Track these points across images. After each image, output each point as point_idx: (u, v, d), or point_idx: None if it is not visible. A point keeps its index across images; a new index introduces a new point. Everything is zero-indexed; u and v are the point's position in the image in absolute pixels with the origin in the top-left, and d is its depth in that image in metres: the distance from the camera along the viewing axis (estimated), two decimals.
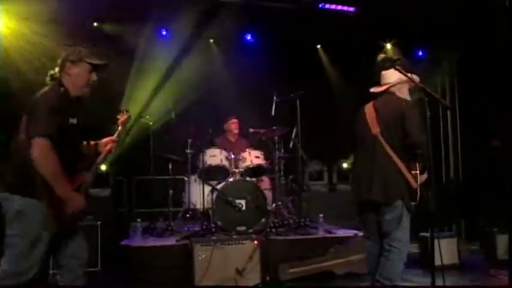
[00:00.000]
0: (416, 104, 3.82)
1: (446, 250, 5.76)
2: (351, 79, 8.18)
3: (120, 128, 3.63)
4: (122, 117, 3.67)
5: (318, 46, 8.96)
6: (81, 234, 3.21)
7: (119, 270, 5.33)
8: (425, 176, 3.79)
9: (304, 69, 7.91)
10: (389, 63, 3.47)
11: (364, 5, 8.09)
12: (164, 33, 8.25)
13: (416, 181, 3.68)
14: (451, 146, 9.66)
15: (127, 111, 3.71)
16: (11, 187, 2.94)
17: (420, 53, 9.60)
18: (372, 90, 4.04)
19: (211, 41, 8.35)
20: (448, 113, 9.64)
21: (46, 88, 3.07)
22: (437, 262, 5.55)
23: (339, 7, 8.25)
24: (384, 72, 3.93)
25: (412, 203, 3.73)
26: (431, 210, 3.60)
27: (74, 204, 2.96)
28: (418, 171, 3.74)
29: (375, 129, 3.81)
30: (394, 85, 3.90)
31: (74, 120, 3.08)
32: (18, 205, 2.88)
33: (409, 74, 3.64)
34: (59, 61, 3.12)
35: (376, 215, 3.86)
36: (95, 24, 7.59)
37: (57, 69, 3.13)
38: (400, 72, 3.57)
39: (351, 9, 8.27)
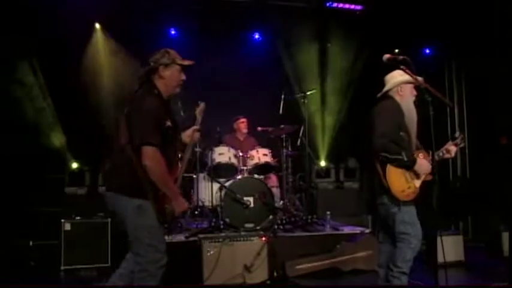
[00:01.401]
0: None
1: (451, 247, 5.86)
2: (360, 78, 8.24)
3: (199, 117, 3.82)
4: (199, 107, 3.86)
5: (328, 45, 9.00)
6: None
7: None
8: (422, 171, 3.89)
9: (313, 67, 7.96)
10: (394, 62, 3.54)
11: (371, 3, 8.14)
12: (173, 32, 8.34)
13: (388, 179, 3.77)
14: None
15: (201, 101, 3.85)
16: (119, 188, 3.17)
17: (427, 51, 9.61)
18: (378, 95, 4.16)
19: (221, 39, 8.41)
20: (456, 111, 9.66)
21: (142, 92, 3.24)
22: (443, 259, 5.66)
23: (347, 5, 8.32)
24: (386, 77, 4.04)
25: (405, 200, 3.82)
26: (434, 208, 3.66)
27: (180, 206, 3.23)
28: (406, 172, 3.86)
29: (367, 132, 3.95)
30: (391, 89, 4.00)
31: (169, 123, 3.24)
32: (135, 203, 3.12)
33: (414, 76, 3.73)
34: (151, 63, 3.28)
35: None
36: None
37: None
38: (405, 72, 3.64)
39: (358, 7, 8.34)
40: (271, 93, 6.82)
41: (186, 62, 3.37)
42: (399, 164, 3.84)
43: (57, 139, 7.22)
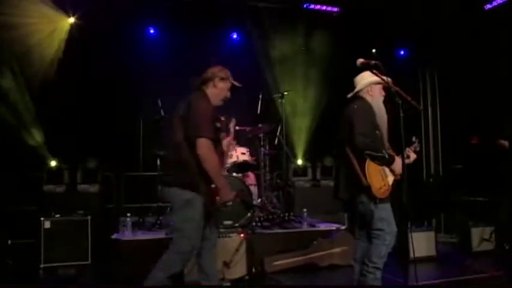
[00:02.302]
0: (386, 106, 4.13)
1: (423, 243, 6.05)
2: (336, 78, 8.38)
3: (232, 130, 4.34)
4: (232, 122, 4.39)
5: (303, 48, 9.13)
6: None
7: (109, 263, 5.50)
8: (397, 169, 4.06)
9: (291, 68, 8.07)
10: (367, 67, 3.71)
11: (347, 5, 8.31)
12: (152, 31, 8.38)
13: (367, 178, 3.92)
14: (431, 143, 9.91)
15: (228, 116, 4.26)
16: (173, 181, 3.56)
17: (402, 53, 9.83)
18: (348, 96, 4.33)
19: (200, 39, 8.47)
20: (429, 111, 9.92)
21: (197, 96, 3.68)
22: (416, 254, 5.86)
23: (324, 7, 8.47)
24: (355, 78, 4.22)
25: (381, 197, 3.99)
26: (404, 203, 3.83)
27: (225, 195, 3.58)
28: (385, 169, 4.04)
29: (341, 132, 4.10)
30: (361, 90, 4.17)
31: (218, 124, 3.73)
32: (186, 196, 3.49)
33: (384, 78, 3.90)
34: (207, 75, 3.80)
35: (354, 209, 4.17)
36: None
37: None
38: (377, 76, 3.82)
39: (335, 9, 8.49)
40: (249, 93, 6.91)
41: (236, 83, 3.91)
42: (382, 161, 4.00)
43: (36, 137, 7.20)
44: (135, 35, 8.03)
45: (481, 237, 6.43)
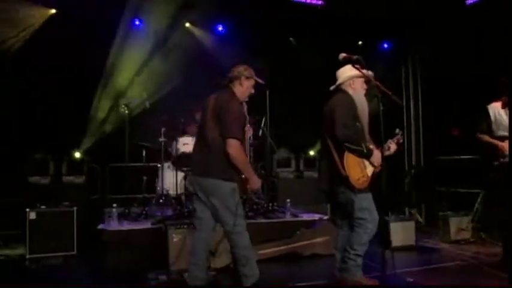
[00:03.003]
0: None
1: (403, 232, 6.22)
2: (320, 71, 8.48)
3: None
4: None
5: (290, 38, 9.20)
6: None
7: (95, 254, 5.56)
8: (376, 161, 4.19)
9: (275, 59, 8.14)
10: (349, 61, 3.83)
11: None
12: (137, 23, 8.39)
13: (346, 169, 4.07)
14: (413, 134, 10.09)
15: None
16: (216, 174, 3.94)
17: (385, 46, 9.97)
18: (331, 88, 4.45)
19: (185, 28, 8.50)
20: (412, 103, 10.08)
21: (227, 97, 4.06)
22: (395, 244, 6.04)
23: (308, 0, 8.55)
24: (337, 72, 4.33)
25: (360, 187, 4.14)
26: (386, 195, 3.97)
27: (254, 184, 4.08)
28: (364, 160, 4.19)
29: (324, 125, 4.22)
30: (343, 83, 4.29)
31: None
32: (231, 186, 3.96)
33: (365, 72, 4.03)
34: (233, 74, 4.13)
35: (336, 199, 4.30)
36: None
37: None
38: (358, 70, 3.95)
39: (319, 2, 8.57)
40: None
41: (260, 80, 4.26)
42: (360, 154, 4.13)
43: (21, 128, 7.20)
44: (121, 26, 8.02)
45: (458, 226, 6.62)
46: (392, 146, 4.49)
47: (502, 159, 4.96)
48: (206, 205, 4.08)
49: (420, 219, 7.60)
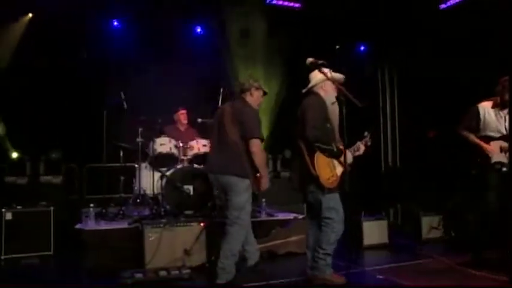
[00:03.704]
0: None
1: (376, 231, 6.38)
2: (297, 73, 8.59)
3: None
4: None
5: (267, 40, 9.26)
6: None
7: (72, 254, 5.59)
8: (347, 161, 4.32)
9: (253, 62, 8.23)
10: (315, 66, 3.96)
11: (309, 1, 8.49)
12: (116, 24, 8.40)
13: (316, 169, 4.21)
14: (389, 136, 10.25)
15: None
16: (234, 171, 4.42)
17: (362, 48, 10.12)
18: (303, 91, 4.58)
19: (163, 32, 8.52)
20: (388, 104, 10.25)
21: (240, 103, 4.59)
22: (368, 242, 6.20)
23: (286, 3, 8.65)
24: (310, 75, 4.46)
25: (329, 187, 4.26)
26: (356, 194, 4.10)
27: (265, 183, 4.58)
28: (334, 161, 4.32)
29: (297, 126, 4.35)
30: (315, 85, 4.42)
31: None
32: (246, 183, 4.45)
33: (335, 75, 4.17)
34: (244, 86, 4.65)
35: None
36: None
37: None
38: (324, 74, 4.09)
39: (297, 5, 8.68)
40: (211, 86, 7.09)
41: (266, 90, 4.80)
42: (330, 154, 4.26)
43: None
44: (99, 27, 8.04)
45: (430, 225, 6.80)
46: (361, 147, 4.62)
47: (486, 160, 5.04)
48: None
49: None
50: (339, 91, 4.15)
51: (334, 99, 4.45)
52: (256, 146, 4.41)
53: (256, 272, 4.86)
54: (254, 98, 4.66)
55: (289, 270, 5.15)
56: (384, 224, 6.47)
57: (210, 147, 5.03)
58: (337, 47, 9.63)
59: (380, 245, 6.32)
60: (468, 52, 7.27)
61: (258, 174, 4.52)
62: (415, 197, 7.89)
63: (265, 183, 4.56)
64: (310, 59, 4.02)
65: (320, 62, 4.00)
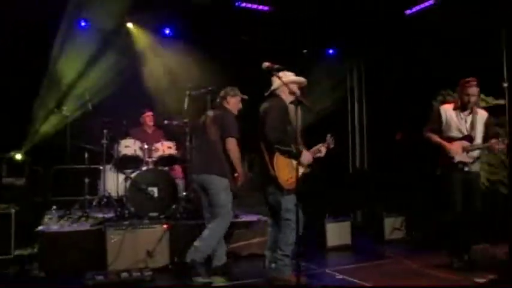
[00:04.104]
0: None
1: (339, 232, 6.48)
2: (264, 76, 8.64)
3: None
4: None
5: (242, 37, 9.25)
6: None
7: (33, 256, 5.52)
8: (306, 163, 4.41)
9: (218, 65, 8.23)
10: (271, 70, 4.03)
11: (278, 4, 8.55)
12: (83, 24, 8.32)
13: (275, 170, 4.29)
14: (357, 138, 10.40)
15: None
16: (212, 169, 4.76)
17: (331, 51, 10.25)
18: (266, 94, 4.65)
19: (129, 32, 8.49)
20: (356, 107, 10.40)
21: (220, 110, 5.01)
22: (331, 243, 6.29)
23: (255, 6, 8.69)
24: (273, 77, 4.53)
25: (288, 188, 4.33)
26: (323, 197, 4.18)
27: (242, 177, 4.85)
28: (294, 162, 4.34)
29: (258, 128, 4.42)
30: (277, 88, 4.50)
31: None
32: (226, 182, 4.78)
33: (293, 78, 4.25)
34: (222, 93, 5.09)
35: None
36: None
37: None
38: (279, 79, 4.16)
39: (266, 8, 8.73)
40: (177, 88, 7.09)
41: (244, 97, 5.15)
42: (289, 155, 4.32)
43: None
44: (65, 26, 7.93)
45: (393, 226, 6.93)
46: (322, 150, 4.71)
47: (449, 160, 5.16)
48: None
49: None
50: (293, 95, 4.23)
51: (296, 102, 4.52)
52: (232, 144, 4.75)
53: (225, 272, 4.89)
54: (231, 104, 5.03)
55: (251, 271, 5.18)
56: (347, 225, 6.57)
57: (194, 151, 5.39)
58: (305, 51, 9.75)
59: (343, 246, 6.43)
60: (434, 56, 7.45)
61: (236, 174, 4.83)
62: (380, 199, 8.03)
63: (242, 176, 4.85)
64: (265, 64, 4.08)
65: (276, 66, 4.06)
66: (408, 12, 8.26)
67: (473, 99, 5.10)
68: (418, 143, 5.90)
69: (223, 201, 4.77)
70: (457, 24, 7.00)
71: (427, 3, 7.86)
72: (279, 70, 4.11)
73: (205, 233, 4.77)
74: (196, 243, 4.73)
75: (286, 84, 4.29)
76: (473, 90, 5.09)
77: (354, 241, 6.59)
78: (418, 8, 8.07)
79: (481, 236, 5.56)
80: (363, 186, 9.26)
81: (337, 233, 6.44)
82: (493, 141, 5.00)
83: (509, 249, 4.80)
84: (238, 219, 6.15)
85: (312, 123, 8.58)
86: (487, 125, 5.20)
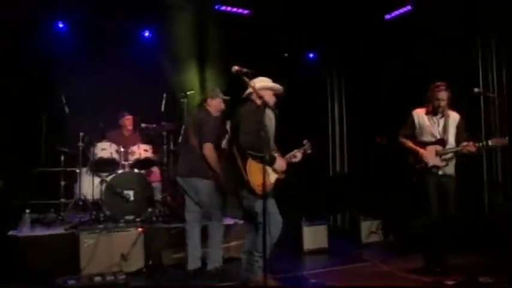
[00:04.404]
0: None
1: (316, 236, 6.50)
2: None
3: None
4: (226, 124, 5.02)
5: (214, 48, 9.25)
6: None
7: (5, 261, 5.44)
8: (279, 169, 4.41)
9: (197, 68, 8.23)
10: (240, 74, 4.02)
11: (258, 8, 8.57)
12: (61, 25, 8.25)
13: (248, 175, 4.28)
14: (338, 141, 10.43)
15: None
16: (197, 173, 4.98)
17: (311, 55, 10.29)
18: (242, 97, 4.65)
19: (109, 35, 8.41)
20: (336, 111, 10.44)
21: (201, 112, 5.18)
22: (308, 247, 6.30)
23: (235, 9, 8.70)
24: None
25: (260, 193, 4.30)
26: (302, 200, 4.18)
27: (220, 179, 4.99)
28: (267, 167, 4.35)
29: (232, 131, 4.44)
30: (251, 93, 4.49)
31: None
32: (210, 183, 4.99)
33: (252, 84, 4.22)
34: (203, 97, 5.30)
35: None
36: None
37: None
38: (247, 83, 4.14)
39: (246, 11, 8.75)
40: (154, 91, 7.07)
41: (225, 97, 5.30)
42: (262, 161, 4.31)
43: None
44: (40, 28, 7.87)
45: (369, 230, 6.98)
46: (298, 155, 4.70)
47: (423, 165, 5.20)
48: (194, 200, 5.15)
49: None
50: (260, 99, 4.24)
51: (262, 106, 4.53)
52: (207, 149, 4.93)
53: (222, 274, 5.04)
54: (212, 107, 5.18)
55: (225, 274, 5.15)
56: (323, 229, 6.59)
57: (180, 153, 5.56)
58: (286, 54, 9.78)
59: (320, 250, 6.44)
60: (413, 59, 7.52)
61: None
62: (359, 202, 8.07)
63: (219, 179, 5.00)
64: (235, 67, 4.06)
65: (244, 70, 4.04)
66: (388, 16, 8.34)
67: (442, 103, 5.14)
68: (398, 146, 5.95)
69: (211, 202, 5.06)
70: (435, 29, 7.09)
71: (405, 9, 7.94)
72: (247, 74, 4.08)
73: (210, 242, 5.14)
74: (208, 253, 5.11)
75: (253, 88, 4.26)
76: (443, 94, 5.13)
77: (331, 244, 6.60)
78: (397, 12, 8.15)
79: (456, 239, 5.60)
80: (343, 189, 9.30)
81: (313, 236, 6.46)
82: (464, 143, 5.05)
83: (509, 249, 4.88)
84: None
85: (292, 127, 8.77)
86: (458, 128, 5.24)
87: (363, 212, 7.32)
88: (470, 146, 5.00)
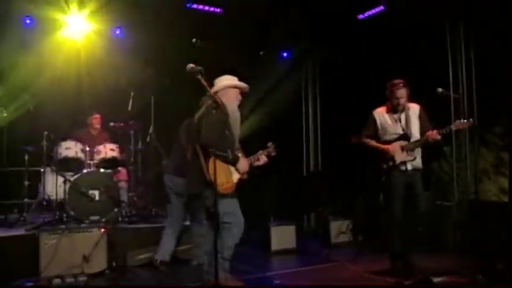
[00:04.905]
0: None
1: (285, 236, 6.47)
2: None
3: None
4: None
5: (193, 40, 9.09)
6: None
7: None
8: (242, 169, 4.36)
9: (169, 68, 8.11)
10: (192, 72, 3.96)
11: (230, 6, 8.51)
12: (28, 21, 8.05)
13: (211, 173, 4.18)
14: (311, 141, 10.42)
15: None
16: (182, 173, 4.78)
17: (285, 54, 10.26)
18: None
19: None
20: (310, 111, 10.43)
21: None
22: (276, 247, 6.27)
23: (206, 7, 8.62)
24: (215, 80, 4.48)
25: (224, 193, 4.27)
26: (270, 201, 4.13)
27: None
28: (230, 167, 4.33)
29: (196, 129, 4.36)
30: (217, 92, 4.43)
31: None
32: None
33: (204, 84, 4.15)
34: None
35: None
36: None
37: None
38: (200, 82, 4.05)
39: (218, 10, 8.67)
40: (121, 90, 6.97)
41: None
42: (225, 160, 4.26)
43: None
44: (6, 24, 7.68)
45: (339, 230, 6.97)
46: (262, 158, 4.65)
47: (390, 163, 5.17)
48: (179, 199, 5.18)
49: None
50: (214, 98, 4.18)
51: (235, 107, 4.48)
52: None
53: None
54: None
55: (187, 276, 5.09)
56: (292, 229, 6.57)
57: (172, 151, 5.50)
58: (261, 52, 9.73)
59: (287, 250, 6.41)
60: (386, 58, 7.55)
61: None
62: (329, 202, 8.07)
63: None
64: (190, 65, 3.99)
65: (198, 68, 3.98)
66: (361, 16, 8.36)
67: (402, 101, 5.12)
68: (362, 144, 5.93)
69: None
70: (406, 28, 7.13)
71: (377, 9, 7.98)
72: (201, 72, 4.01)
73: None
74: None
75: (205, 87, 4.17)
76: (401, 92, 5.11)
77: (300, 245, 6.58)
78: (369, 12, 8.18)
79: (422, 238, 5.61)
80: (315, 189, 9.29)
81: (281, 236, 6.42)
82: (428, 133, 5.01)
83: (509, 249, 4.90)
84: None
85: (266, 126, 8.73)
86: (421, 118, 5.22)
87: (334, 212, 7.31)
88: (434, 135, 4.95)
